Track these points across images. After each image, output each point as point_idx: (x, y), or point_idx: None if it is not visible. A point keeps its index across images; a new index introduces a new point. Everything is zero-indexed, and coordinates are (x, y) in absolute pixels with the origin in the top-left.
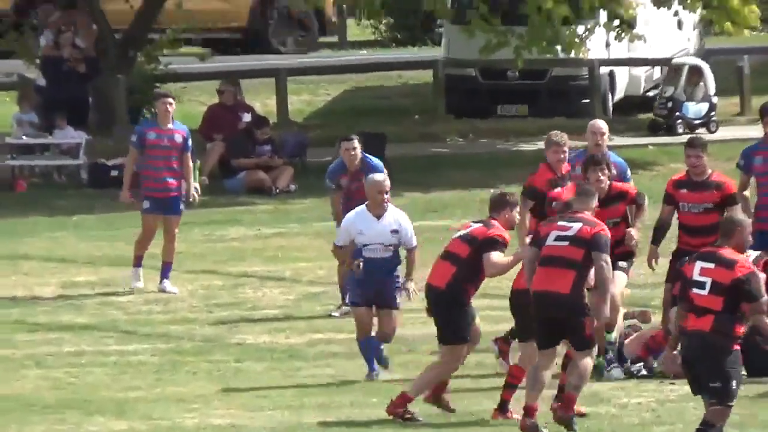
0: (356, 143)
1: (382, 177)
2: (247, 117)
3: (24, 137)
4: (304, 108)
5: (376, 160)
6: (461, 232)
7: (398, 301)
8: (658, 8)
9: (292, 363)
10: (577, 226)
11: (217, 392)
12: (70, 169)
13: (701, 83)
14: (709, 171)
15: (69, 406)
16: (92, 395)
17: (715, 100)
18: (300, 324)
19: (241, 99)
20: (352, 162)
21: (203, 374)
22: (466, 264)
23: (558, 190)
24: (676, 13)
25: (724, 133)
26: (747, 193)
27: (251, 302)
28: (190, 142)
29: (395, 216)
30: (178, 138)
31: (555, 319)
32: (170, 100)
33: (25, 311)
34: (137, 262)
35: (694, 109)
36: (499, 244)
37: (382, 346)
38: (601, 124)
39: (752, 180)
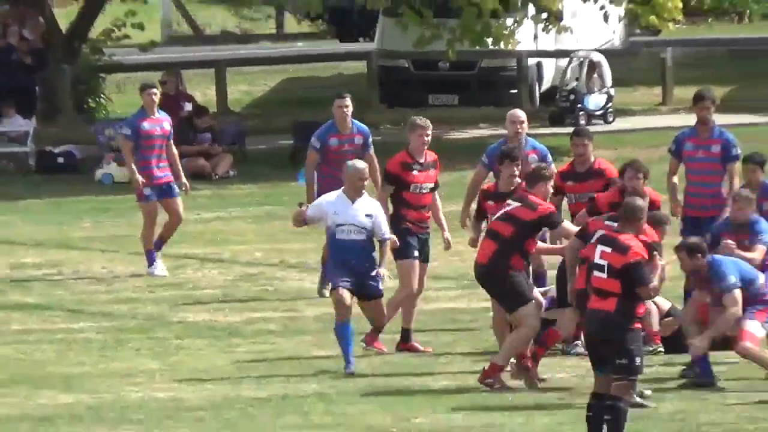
0: (348, 101)
1: (363, 165)
2: (188, 106)
3: None
4: (243, 98)
5: (363, 125)
6: (500, 213)
7: (381, 287)
8: (585, 1)
9: (230, 340)
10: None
11: (160, 368)
12: (18, 156)
13: (596, 75)
14: (593, 159)
15: (18, 381)
16: (40, 371)
17: (612, 92)
18: (238, 303)
19: (183, 89)
20: (344, 119)
21: (146, 351)
22: (509, 242)
23: (415, 173)
24: (602, 7)
25: (645, 121)
26: (676, 179)
27: (192, 282)
28: (171, 130)
29: (369, 203)
30: (167, 126)
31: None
32: (155, 90)
33: None
34: (151, 255)
35: (594, 100)
36: (554, 215)
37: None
38: (520, 113)
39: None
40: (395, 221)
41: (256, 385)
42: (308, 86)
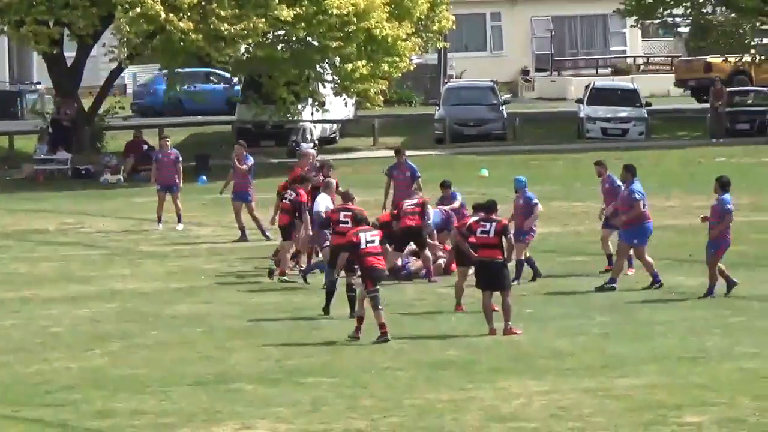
0: (242, 144)
1: (334, 181)
2: (145, 146)
3: None
4: (171, 142)
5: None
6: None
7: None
8: (335, 96)
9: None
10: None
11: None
12: (63, 170)
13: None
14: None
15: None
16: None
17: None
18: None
19: (142, 137)
20: (240, 156)
21: (119, 258)
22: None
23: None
24: (344, 99)
25: (364, 153)
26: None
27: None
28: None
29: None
30: (173, 157)
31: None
32: (168, 139)
33: None
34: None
35: (308, 145)
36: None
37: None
38: (312, 150)
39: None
40: None
41: None
42: (202, 137)
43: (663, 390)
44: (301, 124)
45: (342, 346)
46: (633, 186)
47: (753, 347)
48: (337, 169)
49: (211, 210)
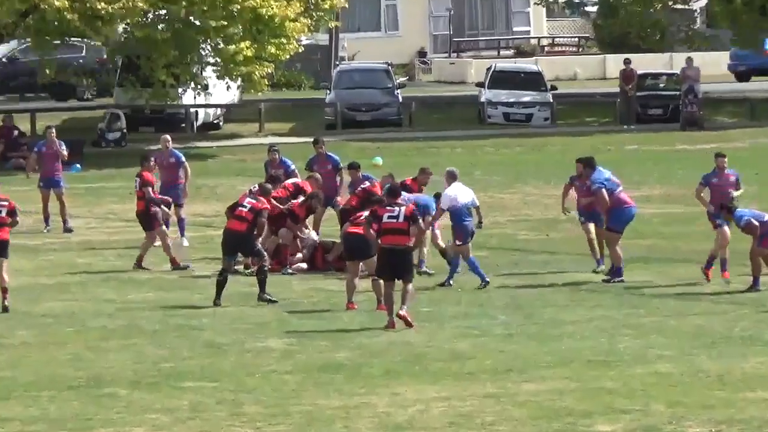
0: (168, 137)
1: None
2: (16, 132)
3: None
4: (44, 128)
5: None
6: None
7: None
8: (218, 79)
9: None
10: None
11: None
12: None
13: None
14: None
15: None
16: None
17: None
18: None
19: (11, 123)
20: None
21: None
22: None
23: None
24: (226, 81)
25: (250, 140)
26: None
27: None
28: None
29: None
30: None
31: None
32: (53, 130)
33: None
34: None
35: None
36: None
37: None
38: (168, 137)
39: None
40: None
41: None
42: (78, 122)
43: (571, 396)
44: (107, 110)
45: (224, 347)
46: (592, 177)
47: (667, 349)
48: (221, 157)
49: (84, 200)
